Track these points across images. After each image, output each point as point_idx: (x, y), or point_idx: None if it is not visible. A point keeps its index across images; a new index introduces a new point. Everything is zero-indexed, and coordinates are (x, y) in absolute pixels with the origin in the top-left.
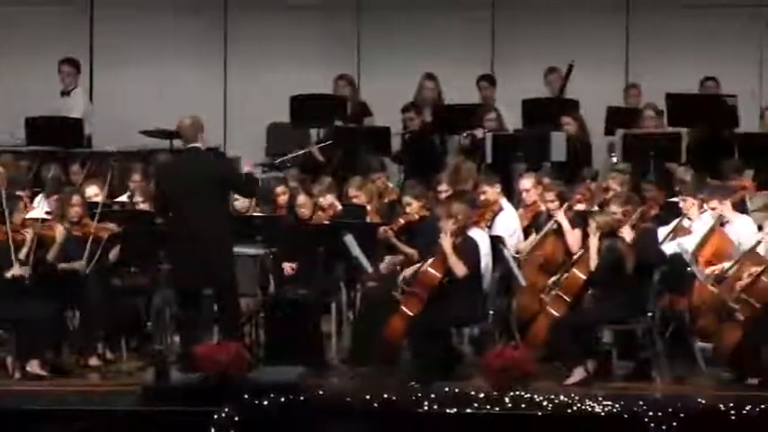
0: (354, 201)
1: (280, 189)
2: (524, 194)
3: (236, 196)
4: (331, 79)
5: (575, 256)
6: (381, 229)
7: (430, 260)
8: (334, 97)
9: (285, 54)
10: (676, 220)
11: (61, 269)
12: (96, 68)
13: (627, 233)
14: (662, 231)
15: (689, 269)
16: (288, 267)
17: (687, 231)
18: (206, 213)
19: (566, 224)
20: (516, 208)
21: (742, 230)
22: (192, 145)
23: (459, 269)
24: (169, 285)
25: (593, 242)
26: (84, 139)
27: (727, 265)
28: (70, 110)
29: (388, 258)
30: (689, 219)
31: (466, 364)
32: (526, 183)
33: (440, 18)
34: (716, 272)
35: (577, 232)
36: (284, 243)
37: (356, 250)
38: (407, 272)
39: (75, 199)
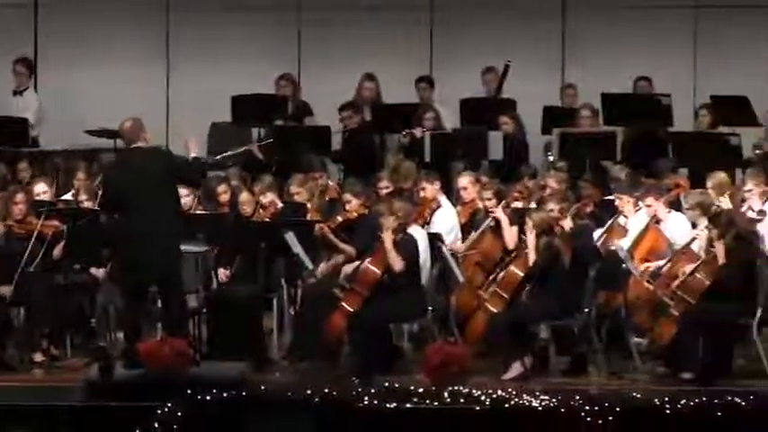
0: (295, 199)
1: (221, 188)
2: (462, 192)
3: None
4: (272, 79)
5: (512, 254)
6: (318, 226)
7: (370, 257)
8: (276, 97)
9: (227, 54)
10: (612, 219)
11: None
12: (41, 68)
13: (567, 227)
14: (599, 230)
15: (624, 266)
16: (222, 274)
17: (623, 229)
18: (154, 210)
19: (504, 221)
20: (455, 206)
21: (676, 228)
22: (135, 145)
23: (397, 264)
24: (114, 282)
25: (531, 239)
26: (29, 138)
27: (661, 261)
28: (23, 109)
29: (323, 264)
30: (624, 217)
31: (405, 360)
32: (464, 181)
33: (379, 19)
34: (651, 269)
35: (514, 229)
36: (226, 241)
37: (297, 247)
38: (348, 269)
39: (20, 197)
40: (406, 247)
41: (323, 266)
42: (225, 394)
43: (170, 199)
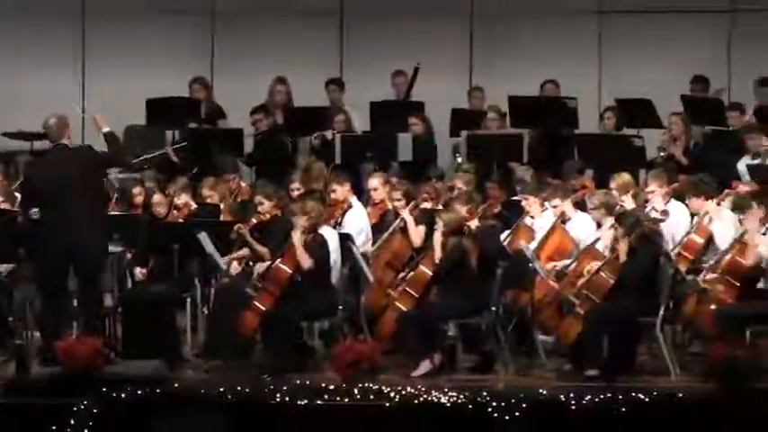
0: (208, 200)
1: (136, 189)
2: (373, 193)
3: None
4: (186, 83)
5: (422, 253)
6: (236, 226)
7: (284, 257)
8: (189, 100)
9: (141, 58)
10: (519, 219)
11: None
12: None
13: (474, 227)
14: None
15: (531, 265)
16: (139, 272)
17: (529, 229)
18: (80, 207)
19: (409, 221)
20: (365, 206)
21: (581, 228)
22: (59, 142)
23: (306, 262)
24: (31, 281)
25: (438, 239)
26: None
27: (567, 261)
28: None
29: (227, 258)
30: (531, 217)
31: (316, 358)
32: (374, 182)
33: (290, 23)
34: (557, 268)
35: (422, 229)
36: (141, 241)
37: (210, 248)
38: (260, 268)
39: None
40: (317, 246)
41: (226, 260)
42: (139, 392)
43: (96, 196)
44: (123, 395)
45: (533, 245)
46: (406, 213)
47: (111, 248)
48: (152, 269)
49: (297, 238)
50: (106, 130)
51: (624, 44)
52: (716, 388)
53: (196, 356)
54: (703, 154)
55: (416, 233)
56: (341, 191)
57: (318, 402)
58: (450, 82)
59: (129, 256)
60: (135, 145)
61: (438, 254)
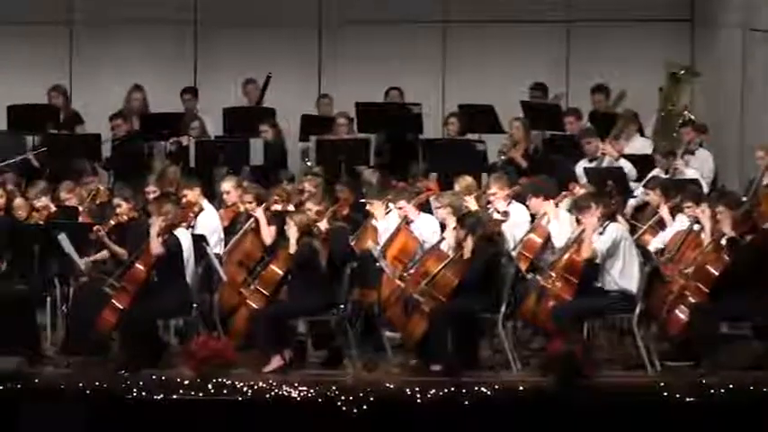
0: (67, 203)
1: None
2: (225, 196)
3: None
4: (45, 91)
5: (273, 253)
6: (95, 228)
7: (139, 257)
8: (48, 107)
9: (2, 66)
10: (366, 221)
11: None
12: None
13: (324, 228)
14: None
15: (378, 265)
16: None
17: (375, 230)
18: None
19: (262, 219)
20: (218, 209)
21: (426, 229)
22: None
23: (157, 248)
24: None
25: (293, 239)
26: None
27: (414, 261)
28: None
29: (87, 259)
30: (376, 219)
31: (172, 354)
32: (227, 186)
33: (146, 33)
34: (402, 267)
35: (273, 229)
36: (1, 242)
37: (69, 248)
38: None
39: None
40: (171, 246)
41: (87, 261)
42: (1, 387)
43: None
44: None
45: (380, 245)
46: (259, 212)
47: None
48: (13, 269)
49: (153, 233)
50: None
51: (467, 53)
52: (553, 382)
53: (56, 353)
54: (542, 157)
55: (268, 232)
56: (191, 195)
57: (174, 397)
58: (299, 89)
59: None
60: None
61: (291, 254)
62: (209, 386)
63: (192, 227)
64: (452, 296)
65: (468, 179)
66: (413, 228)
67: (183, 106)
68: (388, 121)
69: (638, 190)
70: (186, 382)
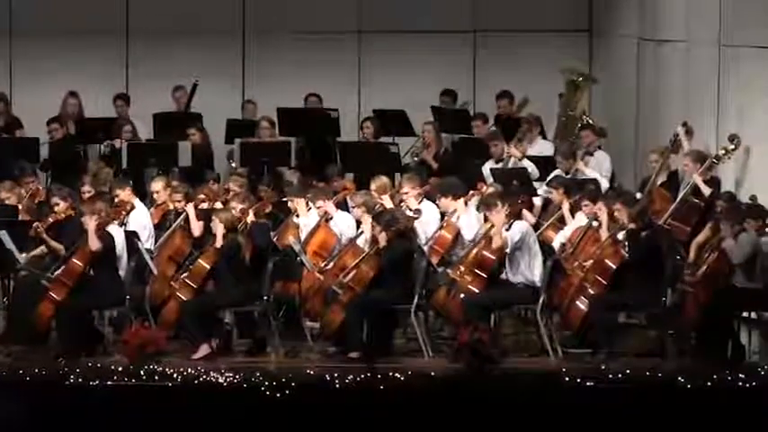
0: (6, 202)
1: None
2: (155, 195)
3: None
4: None
5: (201, 248)
6: (34, 225)
7: (75, 253)
8: None
9: None
10: (287, 217)
11: None
12: None
13: (248, 225)
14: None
15: (298, 259)
16: None
17: (296, 227)
18: None
19: (192, 213)
20: (148, 207)
21: (343, 225)
22: None
23: (95, 243)
24: None
25: (219, 235)
26: None
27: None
28: None
29: (25, 254)
30: (297, 216)
31: (106, 343)
32: (157, 186)
33: (80, 43)
34: (322, 261)
35: (201, 224)
36: None
37: (10, 244)
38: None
39: None
40: (105, 242)
41: (26, 256)
42: None
43: None
44: None
45: (301, 241)
46: (189, 207)
47: None
48: None
49: (90, 233)
50: None
51: (381, 61)
52: (463, 368)
53: None
54: (452, 159)
55: (197, 225)
56: (123, 194)
57: (109, 383)
58: (225, 95)
59: None
60: None
61: (217, 248)
62: (142, 372)
63: (125, 224)
64: (368, 288)
65: (383, 179)
66: (331, 224)
67: (115, 111)
68: (307, 125)
69: (542, 188)
70: (120, 369)
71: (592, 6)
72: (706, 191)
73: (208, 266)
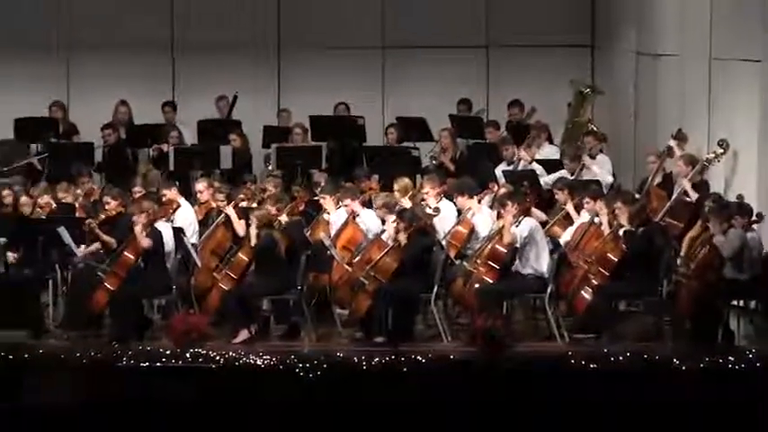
0: (64, 201)
1: (5, 192)
2: (199, 195)
3: None
4: (47, 105)
5: (241, 242)
6: (87, 221)
7: (128, 247)
8: (49, 119)
9: (10, 85)
10: (318, 215)
11: None
12: None
13: (283, 222)
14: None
15: (329, 253)
16: (11, 257)
17: (327, 223)
18: None
19: (233, 215)
20: (193, 205)
21: (369, 221)
22: None
23: (145, 242)
24: None
25: (253, 232)
26: None
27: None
28: None
29: (83, 249)
30: (327, 213)
31: (155, 328)
32: (201, 186)
33: (133, 56)
34: (350, 254)
35: (242, 222)
36: (11, 234)
37: (67, 238)
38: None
39: None
40: (154, 237)
41: (81, 249)
42: (11, 357)
43: None
44: None
45: (331, 236)
46: (230, 209)
47: None
48: (20, 257)
49: (138, 230)
50: None
51: (403, 73)
52: (478, 351)
53: (57, 328)
54: (467, 161)
55: (240, 225)
56: (170, 194)
57: (157, 365)
58: (262, 104)
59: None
60: (5, 155)
61: (253, 243)
62: (187, 355)
63: (172, 221)
64: (392, 279)
65: (405, 180)
66: (358, 221)
67: (163, 118)
68: (336, 131)
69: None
70: (168, 352)
71: (594, 23)
72: (693, 195)
73: (247, 259)
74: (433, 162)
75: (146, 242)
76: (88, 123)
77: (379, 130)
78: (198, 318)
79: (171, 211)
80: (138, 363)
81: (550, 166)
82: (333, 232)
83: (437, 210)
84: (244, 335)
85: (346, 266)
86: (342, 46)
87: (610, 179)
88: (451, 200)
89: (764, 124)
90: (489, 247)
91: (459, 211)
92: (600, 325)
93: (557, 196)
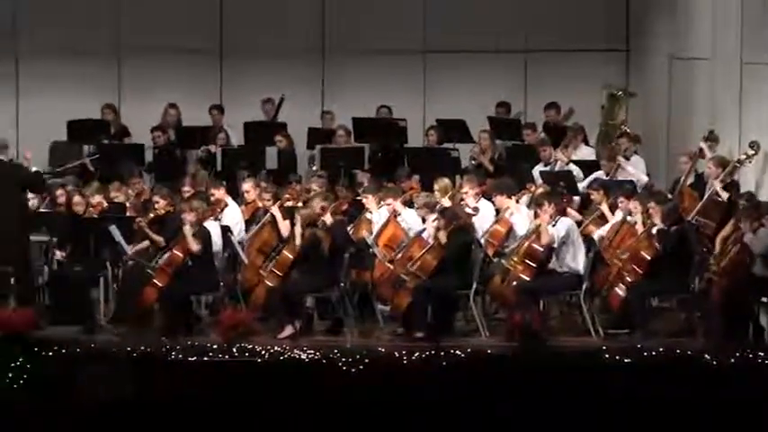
0: (116, 200)
1: (59, 192)
2: (246, 195)
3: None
4: (99, 108)
5: (285, 241)
6: (137, 219)
7: (177, 245)
8: (101, 121)
9: (63, 88)
10: (361, 214)
11: None
12: None
13: (327, 221)
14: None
15: (371, 251)
16: (59, 255)
17: (369, 222)
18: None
19: (278, 215)
20: (240, 205)
21: (410, 220)
22: None
23: (194, 246)
24: None
25: (298, 230)
26: None
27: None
28: None
29: (133, 247)
30: (370, 213)
31: (203, 324)
32: (247, 186)
33: (182, 61)
34: (391, 252)
35: (287, 222)
36: (63, 232)
37: (118, 237)
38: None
39: None
40: (202, 236)
41: (135, 249)
42: (64, 350)
43: (20, 200)
44: (50, 353)
45: (373, 234)
46: (275, 209)
47: (40, 238)
48: (70, 253)
49: (187, 229)
50: (35, 168)
51: (444, 76)
52: (516, 346)
53: (108, 323)
54: (505, 162)
55: (284, 225)
56: (218, 193)
57: (205, 359)
58: (306, 107)
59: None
60: (59, 156)
61: (298, 242)
62: (234, 350)
63: (220, 219)
64: (432, 276)
65: (445, 180)
66: (400, 220)
67: (211, 120)
68: (379, 133)
69: (582, 184)
70: (215, 347)
71: (629, 28)
72: (723, 195)
73: (292, 257)
74: (473, 163)
75: (195, 246)
76: (139, 125)
77: (420, 132)
78: (244, 314)
79: (219, 210)
80: (187, 357)
81: (586, 166)
82: (375, 231)
83: (476, 209)
84: (288, 330)
85: (388, 264)
86: (384, 50)
87: (645, 179)
88: (490, 200)
89: None
90: (526, 245)
91: (498, 211)
92: (633, 321)
93: (592, 196)
